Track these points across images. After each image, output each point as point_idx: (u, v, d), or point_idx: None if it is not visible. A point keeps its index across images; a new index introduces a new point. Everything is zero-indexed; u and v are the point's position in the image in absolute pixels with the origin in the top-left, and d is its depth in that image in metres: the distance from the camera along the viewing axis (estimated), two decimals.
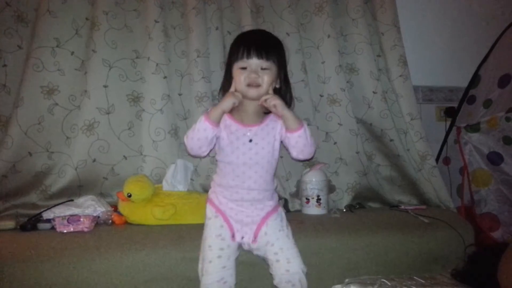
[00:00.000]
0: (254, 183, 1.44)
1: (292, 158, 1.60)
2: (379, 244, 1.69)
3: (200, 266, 1.42)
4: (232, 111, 1.44)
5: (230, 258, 1.41)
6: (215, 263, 1.38)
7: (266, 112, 1.48)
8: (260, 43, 1.41)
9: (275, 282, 1.42)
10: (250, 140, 1.43)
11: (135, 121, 1.97)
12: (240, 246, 1.46)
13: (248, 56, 1.37)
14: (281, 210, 1.52)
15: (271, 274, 1.44)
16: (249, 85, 1.39)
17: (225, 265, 1.39)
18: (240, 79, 1.39)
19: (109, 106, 1.92)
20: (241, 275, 1.47)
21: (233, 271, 1.41)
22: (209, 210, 1.48)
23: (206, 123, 1.41)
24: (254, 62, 1.38)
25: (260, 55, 1.38)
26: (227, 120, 1.44)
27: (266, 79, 1.39)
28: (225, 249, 1.40)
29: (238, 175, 1.43)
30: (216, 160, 1.53)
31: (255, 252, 1.47)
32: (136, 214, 1.75)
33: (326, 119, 2.15)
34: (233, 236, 1.42)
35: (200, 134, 1.42)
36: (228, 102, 1.40)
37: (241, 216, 1.44)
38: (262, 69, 1.39)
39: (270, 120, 1.48)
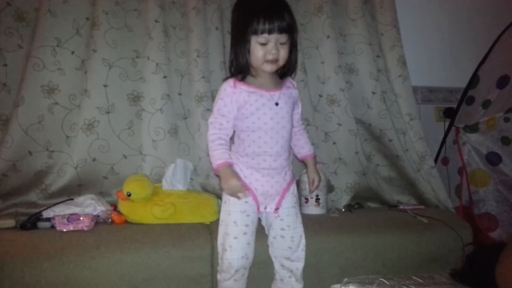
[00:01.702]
0: (281, 148, 1.42)
1: None
2: (378, 243, 1.70)
3: (221, 240, 1.41)
4: (250, 79, 1.42)
5: (253, 234, 1.43)
6: (241, 240, 1.39)
7: (281, 77, 1.47)
8: (281, 16, 1.34)
9: (272, 253, 1.48)
10: (277, 104, 1.40)
11: (135, 121, 1.97)
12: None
13: (270, 32, 1.31)
14: (295, 182, 1.53)
15: (267, 242, 1.48)
16: (267, 61, 1.35)
17: (249, 241, 1.41)
18: (258, 55, 1.34)
19: (109, 105, 1.92)
20: None
21: (253, 246, 1.43)
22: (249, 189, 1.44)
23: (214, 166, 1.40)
24: (275, 37, 1.33)
25: (281, 30, 1.32)
26: (248, 88, 1.40)
27: (283, 54, 1.36)
28: (249, 225, 1.41)
29: (266, 141, 1.40)
30: (235, 132, 1.47)
31: (262, 219, 1.49)
32: (136, 213, 1.76)
33: (325, 119, 2.15)
34: (257, 208, 1.43)
35: (212, 160, 1.42)
36: (234, 193, 1.38)
37: (266, 187, 1.42)
38: (280, 43, 1.35)
39: (287, 85, 1.47)
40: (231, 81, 1.41)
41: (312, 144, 2.10)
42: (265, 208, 1.43)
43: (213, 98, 1.98)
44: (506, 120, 2.15)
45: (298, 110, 1.54)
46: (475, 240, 1.82)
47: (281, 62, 1.38)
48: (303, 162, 1.61)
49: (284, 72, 1.45)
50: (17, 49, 1.88)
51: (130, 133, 1.96)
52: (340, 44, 2.18)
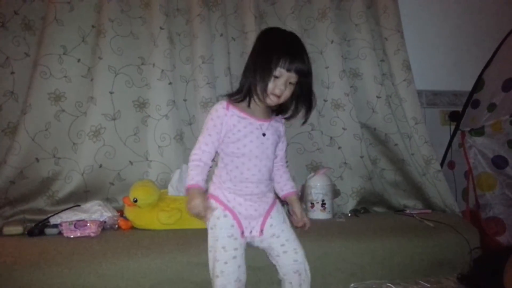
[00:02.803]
0: (262, 176, 1.45)
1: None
2: (385, 248, 1.69)
3: (211, 265, 1.40)
4: (243, 105, 1.44)
5: (243, 256, 1.42)
6: (231, 264, 1.38)
7: (277, 112, 1.50)
8: (301, 58, 1.40)
9: (281, 273, 1.46)
10: (264, 134, 1.44)
11: (141, 127, 1.99)
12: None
13: (288, 70, 1.37)
14: (277, 202, 1.53)
15: (274, 266, 1.46)
16: (273, 94, 1.39)
17: (240, 264, 1.40)
18: (268, 86, 1.38)
19: (115, 112, 1.94)
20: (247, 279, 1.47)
21: (244, 268, 1.42)
22: (216, 209, 1.44)
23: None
24: (288, 75, 1.37)
25: (297, 72, 1.38)
26: (240, 113, 1.43)
27: (287, 93, 1.40)
28: (238, 248, 1.41)
29: (249, 168, 1.43)
30: (218, 155, 1.48)
31: (256, 245, 1.48)
32: (142, 219, 1.76)
33: (330, 123, 2.16)
34: (242, 233, 1.43)
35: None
36: (198, 213, 1.38)
37: (250, 210, 1.44)
38: (289, 83, 1.39)
39: (275, 119, 1.50)
40: (224, 103, 1.44)
41: (317, 149, 2.13)
42: (251, 232, 1.44)
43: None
44: None
45: (283, 146, 1.56)
46: (482, 244, 1.80)
47: (282, 99, 1.41)
48: (285, 201, 1.59)
49: (279, 108, 1.48)
50: (24, 57, 1.91)
51: (136, 140, 1.97)
52: (344, 49, 2.18)
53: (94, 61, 1.94)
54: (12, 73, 1.88)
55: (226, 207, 1.43)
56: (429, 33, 2.56)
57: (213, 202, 1.44)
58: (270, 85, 1.37)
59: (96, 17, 1.96)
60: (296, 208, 1.54)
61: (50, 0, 1.89)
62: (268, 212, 1.47)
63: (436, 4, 2.60)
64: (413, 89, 2.17)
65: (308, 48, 2.11)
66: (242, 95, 1.43)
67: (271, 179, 1.52)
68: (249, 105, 1.44)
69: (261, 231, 1.45)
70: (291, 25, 2.10)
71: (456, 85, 2.57)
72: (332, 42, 2.12)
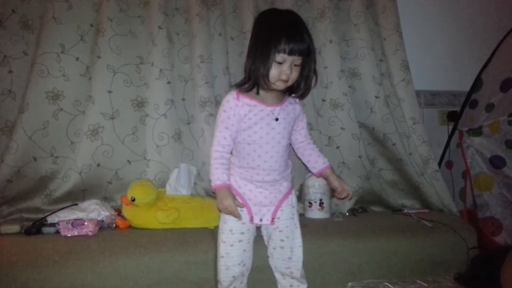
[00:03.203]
0: (275, 163, 1.44)
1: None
2: (382, 248, 1.70)
3: (218, 247, 1.44)
4: (252, 92, 1.44)
5: (250, 242, 1.46)
6: (237, 247, 1.42)
7: (285, 91, 1.48)
8: (302, 39, 1.36)
9: (272, 263, 1.49)
10: (277, 119, 1.43)
11: (139, 126, 1.98)
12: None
13: (290, 53, 1.34)
14: (294, 193, 1.53)
15: (268, 257, 1.50)
16: (280, 79, 1.38)
17: (246, 248, 1.44)
18: (273, 72, 1.36)
19: (113, 111, 1.94)
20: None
21: (251, 253, 1.46)
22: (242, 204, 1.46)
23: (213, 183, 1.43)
24: (292, 58, 1.35)
25: (300, 53, 1.35)
26: (250, 101, 1.43)
27: (295, 76, 1.39)
28: (245, 233, 1.44)
29: (260, 154, 1.43)
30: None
31: (262, 230, 1.51)
32: (140, 218, 1.76)
33: (328, 123, 2.16)
34: (251, 219, 1.44)
35: (211, 176, 1.45)
36: (229, 213, 1.41)
37: (260, 197, 1.45)
38: (294, 65, 1.37)
39: (289, 101, 1.49)
40: (234, 93, 1.44)
41: None
42: (261, 220, 1.45)
43: (216, 103, 1.99)
44: (510, 123, 2.15)
45: (303, 124, 1.56)
46: (479, 244, 1.81)
47: (291, 82, 1.40)
48: (322, 177, 1.59)
49: (292, 89, 1.46)
50: (22, 56, 1.90)
51: (134, 139, 1.97)
52: (343, 49, 2.18)
53: (92, 60, 1.93)
54: (10, 71, 1.88)
55: (236, 192, 1.45)
56: (427, 33, 2.57)
57: (237, 198, 1.44)
58: (275, 72, 1.36)
59: (95, 16, 1.96)
60: (334, 181, 1.54)
61: None
62: (280, 202, 1.46)
63: (434, 4, 2.61)
64: (412, 89, 2.17)
65: None
66: (250, 83, 1.42)
67: (286, 166, 1.50)
68: (258, 92, 1.43)
69: (272, 219, 1.45)
70: None
71: (454, 85, 2.57)
72: (330, 42, 2.13)
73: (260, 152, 1.43)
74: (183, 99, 2.05)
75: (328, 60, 2.14)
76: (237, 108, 1.42)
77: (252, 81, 1.41)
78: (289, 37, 1.34)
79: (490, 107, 2.24)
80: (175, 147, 1.99)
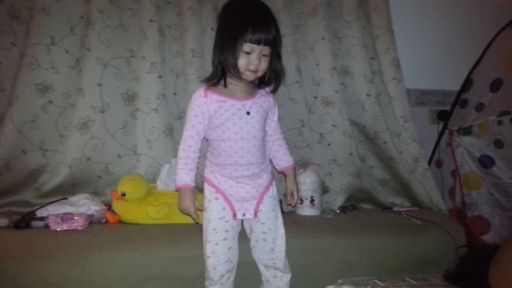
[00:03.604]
0: (252, 157, 1.42)
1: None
2: (372, 245, 1.71)
3: (204, 247, 1.43)
4: (221, 88, 1.42)
5: (235, 238, 1.44)
6: (222, 246, 1.41)
7: (256, 84, 1.47)
8: (268, 29, 1.35)
9: (255, 255, 1.49)
10: (248, 113, 1.41)
11: (130, 120, 1.97)
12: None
13: (257, 43, 1.33)
14: (274, 184, 1.51)
15: (250, 250, 1.50)
16: (249, 70, 1.36)
17: (231, 245, 1.42)
18: (242, 63, 1.34)
19: (103, 104, 1.92)
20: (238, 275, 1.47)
21: (237, 250, 1.45)
22: (208, 191, 1.46)
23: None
24: (259, 48, 1.34)
25: (267, 43, 1.34)
26: (219, 96, 1.40)
27: (264, 66, 1.37)
28: (229, 230, 1.42)
29: (236, 150, 1.41)
30: (207, 140, 1.48)
31: (244, 223, 1.51)
32: (130, 213, 1.75)
33: (320, 120, 2.16)
34: (234, 215, 1.43)
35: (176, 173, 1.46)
36: (189, 214, 1.43)
37: (241, 193, 1.43)
38: (263, 55, 1.36)
39: (260, 93, 1.47)
40: (202, 90, 1.42)
41: (307, 145, 2.13)
42: (244, 215, 1.43)
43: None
44: (499, 123, 2.17)
45: (274, 118, 1.54)
46: (468, 242, 1.83)
47: (260, 73, 1.39)
48: (282, 173, 1.60)
49: (262, 81, 1.45)
50: (11, 47, 1.87)
51: (124, 133, 1.96)
52: (335, 46, 2.18)
53: (82, 52, 1.91)
54: None
55: (218, 189, 1.43)
56: (419, 32, 2.57)
57: (207, 191, 1.45)
58: (243, 62, 1.34)
59: (85, 8, 1.93)
60: (288, 183, 1.56)
61: None
62: (262, 195, 1.45)
63: (426, 3, 2.61)
64: (403, 87, 2.18)
65: (299, 44, 2.15)
66: (217, 77, 1.41)
67: (264, 158, 1.48)
68: (225, 86, 1.41)
69: (255, 213, 1.44)
70: (282, 21, 2.06)
71: (445, 84, 2.58)
72: (323, 39, 2.12)
73: (236, 148, 1.41)
74: (175, 94, 2.04)
75: (320, 57, 2.14)
76: (205, 105, 1.40)
77: (220, 73, 1.40)
78: (255, 26, 1.33)
79: (480, 107, 2.26)
80: (166, 142, 1.97)
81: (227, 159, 1.42)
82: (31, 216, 1.71)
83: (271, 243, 1.46)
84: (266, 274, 1.49)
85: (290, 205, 1.61)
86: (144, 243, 1.53)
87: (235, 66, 1.35)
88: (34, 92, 1.84)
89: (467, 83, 2.35)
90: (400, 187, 2.21)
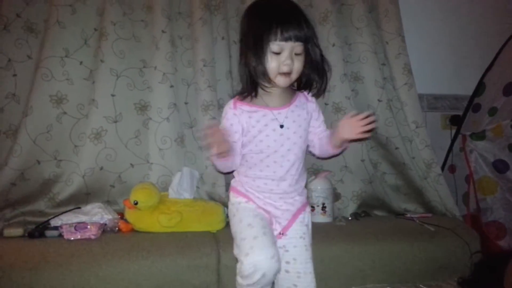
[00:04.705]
0: (286, 173, 1.28)
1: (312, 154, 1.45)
2: (385, 252, 1.69)
3: (236, 251, 1.24)
4: (253, 97, 1.28)
5: (275, 242, 1.23)
6: (263, 239, 1.18)
7: (294, 88, 1.31)
8: (298, 22, 1.19)
9: None
10: (281, 126, 1.26)
11: (142, 130, 1.99)
12: None
13: (286, 39, 1.17)
14: (309, 210, 1.37)
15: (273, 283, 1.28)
16: (281, 73, 1.21)
17: (274, 241, 1.21)
18: (271, 65, 1.20)
19: (116, 114, 1.94)
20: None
21: (278, 256, 1.19)
22: (236, 198, 1.32)
23: (220, 161, 1.27)
24: (290, 45, 1.19)
25: (297, 39, 1.18)
26: (250, 107, 1.26)
27: (298, 66, 1.22)
28: (267, 227, 1.24)
29: (269, 165, 1.27)
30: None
31: None
32: (143, 221, 1.76)
33: (331, 127, 2.15)
34: (270, 221, 1.27)
35: (223, 165, 1.31)
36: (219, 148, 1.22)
37: (269, 207, 1.29)
38: (295, 54, 1.21)
39: (299, 100, 1.32)
40: (231, 103, 1.30)
41: None
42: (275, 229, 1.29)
43: (219, 106, 1.99)
44: None
45: (319, 121, 1.38)
46: (482, 248, 1.81)
47: (295, 75, 1.24)
48: (334, 142, 1.33)
49: (300, 84, 1.31)
50: (26, 59, 1.91)
51: (137, 142, 1.98)
52: (345, 53, 2.18)
53: (96, 63, 1.94)
54: (14, 75, 1.89)
55: (246, 196, 1.30)
56: (430, 37, 2.57)
57: (233, 199, 1.31)
58: (273, 64, 1.20)
59: (99, 20, 1.96)
60: (338, 127, 1.30)
61: (53, 3, 1.90)
62: (294, 217, 1.31)
63: (437, 8, 2.61)
64: (414, 93, 2.17)
65: None
66: (248, 88, 1.26)
67: (300, 177, 1.33)
68: (256, 95, 1.27)
69: (281, 234, 1.28)
70: None
71: (457, 89, 2.57)
72: (333, 45, 2.13)
73: (268, 162, 1.28)
74: (186, 103, 2.06)
75: (330, 63, 2.13)
76: (235, 118, 1.27)
77: (249, 84, 1.25)
78: (282, 22, 1.17)
79: (493, 111, 2.23)
80: (178, 150, 1.99)
81: (257, 172, 1.29)
82: (45, 226, 1.73)
83: (295, 277, 1.26)
84: None
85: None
86: (157, 251, 1.53)
87: (263, 72, 1.21)
88: (49, 104, 1.88)
89: (480, 88, 2.33)
90: (413, 193, 2.19)
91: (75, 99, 1.92)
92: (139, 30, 2.02)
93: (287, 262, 1.27)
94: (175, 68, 2.02)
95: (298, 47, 1.20)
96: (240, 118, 1.27)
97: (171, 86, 1.99)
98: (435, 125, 2.55)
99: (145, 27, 2.03)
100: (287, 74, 1.22)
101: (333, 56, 2.13)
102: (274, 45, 1.18)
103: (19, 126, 1.85)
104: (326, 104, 2.16)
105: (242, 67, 1.27)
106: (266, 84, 1.24)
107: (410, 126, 2.15)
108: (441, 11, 2.61)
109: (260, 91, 1.27)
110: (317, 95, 1.34)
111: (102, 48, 1.93)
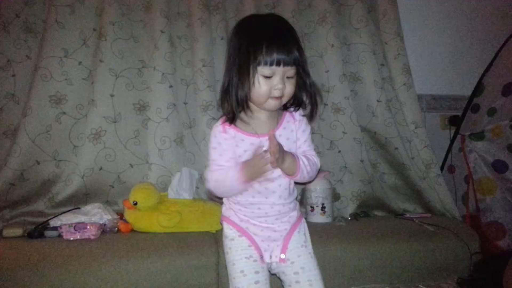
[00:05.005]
0: (278, 198, 1.26)
1: None
2: (385, 252, 1.69)
3: None
4: (240, 122, 1.23)
5: (267, 283, 1.22)
6: None
7: (281, 109, 1.26)
8: (290, 46, 1.15)
9: None
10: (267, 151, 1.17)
11: (141, 130, 1.99)
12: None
13: (278, 63, 1.13)
14: (304, 221, 1.35)
15: None
16: (272, 97, 1.17)
17: (267, 282, 1.22)
18: (262, 89, 1.16)
19: (115, 115, 1.94)
20: None
21: None
22: (229, 230, 1.28)
23: (242, 185, 1.20)
24: (282, 70, 1.15)
25: (287, 63, 1.14)
26: (237, 133, 1.22)
27: (290, 90, 1.19)
28: (260, 272, 1.22)
29: (260, 191, 1.24)
30: None
31: (272, 272, 1.30)
32: (142, 221, 1.76)
33: (330, 127, 2.16)
34: (261, 258, 1.25)
35: (233, 187, 1.23)
36: (265, 169, 1.16)
37: (267, 232, 1.26)
38: (287, 77, 1.17)
39: (286, 120, 1.27)
40: (219, 126, 1.24)
41: (317, 152, 2.12)
42: (270, 257, 1.25)
43: (218, 107, 1.99)
44: None
45: (301, 141, 1.30)
46: (482, 248, 1.80)
47: (286, 98, 1.20)
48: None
49: (287, 104, 1.26)
50: (25, 60, 1.91)
51: (136, 142, 1.98)
52: (344, 53, 2.19)
53: (95, 64, 1.94)
54: (13, 75, 1.89)
55: (239, 228, 1.27)
56: (429, 37, 2.57)
57: (227, 230, 1.27)
58: (264, 88, 1.15)
59: (98, 20, 1.97)
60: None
61: (51, 3, 1.90)
62: (289, 234, 1.27)
63: (436, 9, 2.61)
64: (413, 93, 2.17)
65: (309, 52, 2.15)
66: (229, 115, 1.20)
67: (292, 197, 1.31)
68: (235, 122, 1.21)
69: (282, 258, 1.25)
70: None
71: (456, 89, 2.57)
72: (332, 46, 2.13)
73: (260, 189, 1.24)
74: (185, 103, 2.06)
75: (329, 64, 2.15)
76: (226, 142, 1.22)
77: (231, 110, 1.19)
78: (274, 45, 1.13)
79: (492, 112, 2.24)
80: (177, 151, 1.99)
81: (249, 199, 1.25)
82: (44, 226, 1.73)
83: (307, 285, 1.22)
84: None
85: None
86: (156, 251, 1.53)
87: (245, 97, 1.16)
88: (48, 104, 1.88)
89: (479, 88, 2.33)
90: (412, 194, 2.19)
91: (74, 99, 1.92)
92: (138, 30, 2.02)
93: (296, 273, 1.24)
94: (174, 68, 2.02)
95: (290, 70, 1.17)
96: (231, 142, 1.23)
97: (170, 86, 1.99)
98: (434, 125, 2.56)
99: (144, 27, 2.03)
100: (278, 98, 1.18)
101: (332, 57, 2.14)
102: (266, 69, 1.15)
103: (18, 126, 1.85)
104: (325, 104, 2.16)
105: (227, 88, 1.21)
106: (247, 110, 1.21)
107: (409, 126, 2.15)
108: (440, 12, 2.61)
109: (247, 115, 1.23)
110: (310, 119, 1.30)
111: (101, 48, 1.93)
